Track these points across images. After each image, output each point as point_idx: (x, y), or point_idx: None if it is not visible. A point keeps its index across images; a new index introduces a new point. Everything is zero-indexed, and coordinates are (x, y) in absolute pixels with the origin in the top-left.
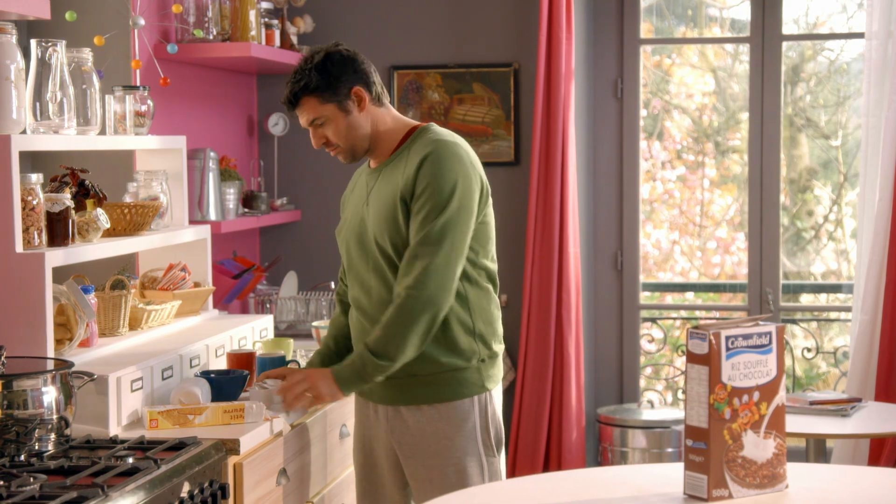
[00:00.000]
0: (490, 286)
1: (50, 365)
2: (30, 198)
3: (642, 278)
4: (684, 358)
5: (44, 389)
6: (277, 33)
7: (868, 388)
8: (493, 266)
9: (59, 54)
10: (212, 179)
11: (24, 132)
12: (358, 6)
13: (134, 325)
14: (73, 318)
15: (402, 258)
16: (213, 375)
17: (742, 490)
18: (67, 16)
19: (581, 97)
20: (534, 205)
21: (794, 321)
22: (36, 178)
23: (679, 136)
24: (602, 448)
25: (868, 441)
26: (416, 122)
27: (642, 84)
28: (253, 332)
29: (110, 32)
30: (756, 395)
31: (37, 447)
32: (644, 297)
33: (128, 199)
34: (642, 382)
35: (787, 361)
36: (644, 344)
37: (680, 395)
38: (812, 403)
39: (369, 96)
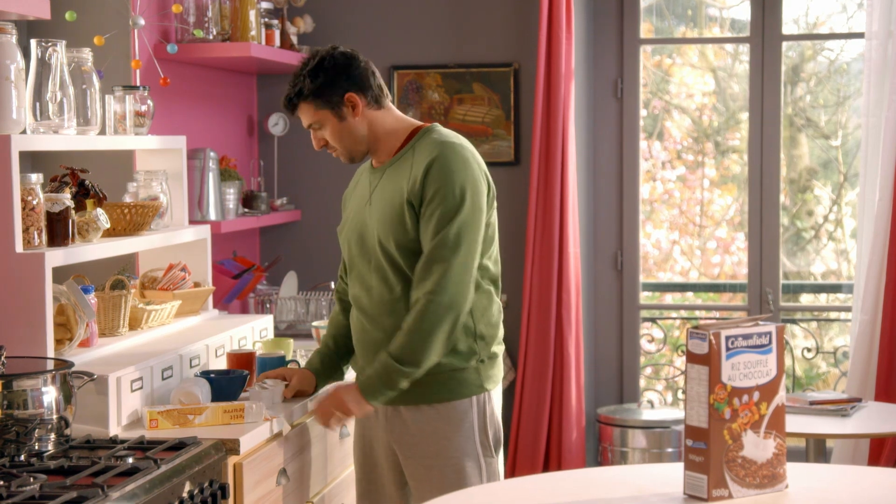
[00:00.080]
0: (492, 288)
1: (50, 365)
2: (30, 198)
3: (642, 278)
4: (684, 358)
5: (44, 389)
6: (277, 33)
7: (868, 388)
8: (496, 268)
9: (59, 54)
10: (212, 179)
11: (24, 132)
12: (358, 6)
13: (134, 325)
14: (73, 318)
15: (406, 258)
16: (213, 375)
17: (742, 490)
18: (67, 16)
19: (581, 97)
20: (534, 205)
21: (794, 321)
22: (36, 178)
23: (679, 136)
24: (602, 448)
25: (868, 441)
26: (419, 123)
27: (642, 84)
28: (253, 332)
29: (110, 32)
30: (756, 395)
31: (37, 447)
32: (644, 297)
33: (128, 199)
34: (642, 382)
35: (787, 361)
36: (644, 344)
37: (680, 395)
38: (812, 403)
39: (364, 101)
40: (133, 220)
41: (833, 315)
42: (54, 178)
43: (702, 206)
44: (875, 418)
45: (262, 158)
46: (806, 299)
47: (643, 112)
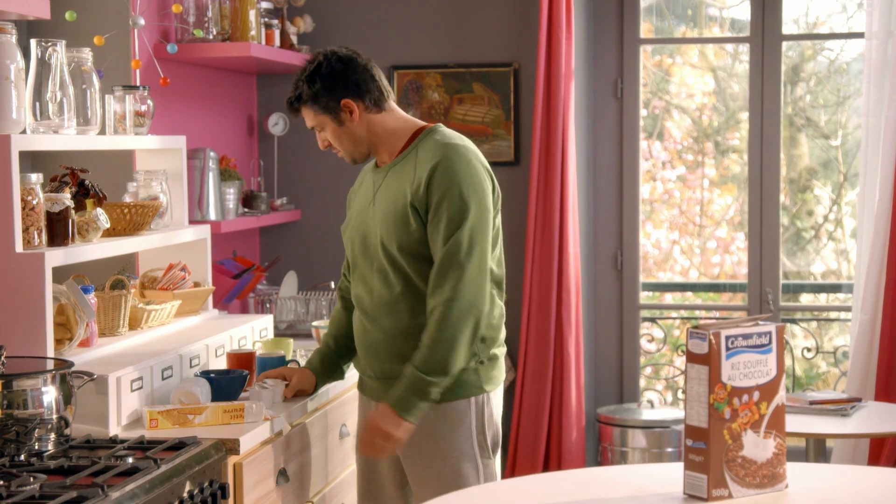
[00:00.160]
0: (495, 290)
1: (50, 365)
2: (30, 198)
3: (642, 278)
4: (684, 358)
5: (44, 389)
6: (277, 33)
7: (868, 387)
8: (500, 270)
9: (59, 54)
10: (212, 179)
11: (24, 132)
12: (358, 6)
13: (134, 324)
14: (73, 318)
15: (408, 260)
16: (213, 375)
17: (742, 490)
18: (67, 16)
19: (581, 97)
20: (534, 205)
21: (793, 321)
22: (36, 177)
23: (679, 136)
24: (602, 448)
25: (868, 441)
26: (422, 123)
27: (642, 84)
28: (253, 332)
29: (110, 32)
30: (756, 395)
31: (37, 447)
32: (644, 296)
33: (128, 198)
34: (642, 382)
35: (787, 361)
36: (644, 344)
37: (680, 394)
38: (812, 403)
39: (363, 105)
40: (133, 219)
41: (833, 315)
42: (54, 177)
43: (702, 205)
44: (875, 418)
45: (262, 158)
46: (806, 299)
47: (643, 112)
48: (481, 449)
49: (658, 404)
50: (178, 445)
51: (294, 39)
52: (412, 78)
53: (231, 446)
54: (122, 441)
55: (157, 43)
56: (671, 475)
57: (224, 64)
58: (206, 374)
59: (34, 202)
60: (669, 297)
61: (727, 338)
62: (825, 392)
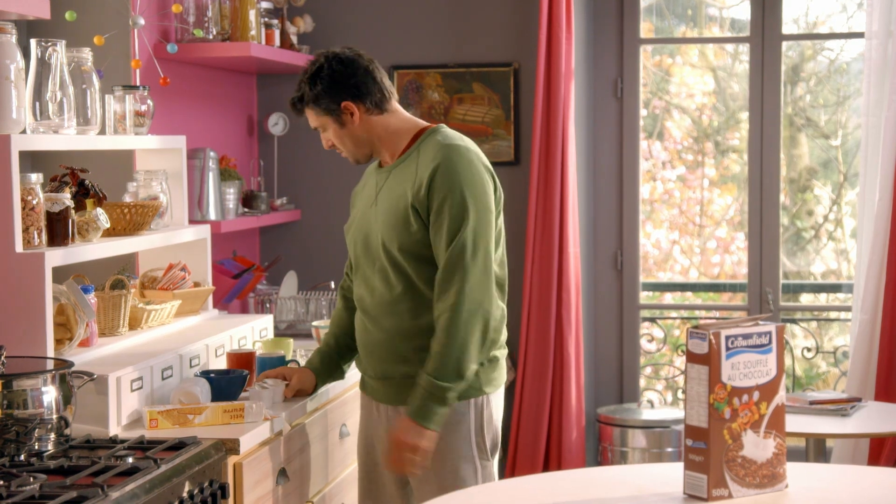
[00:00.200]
0: (497, 292)
1: (50, 365)
2: (30, 197)
3: (642, 278)
4: (684, 357)
5: (44, 389)
6: (277, 33)
7: (868, 387)
8: (502, 272)
9: (59, 54)
10: (212, 179)
11: (23, 132)
12: (358, 6)
13: (134, 324)
14: (73, 318)
15: (409, 261)
16: (212, 375)
17: (742, 490)
18: (67, 16)
19: (581, 97)
20: (534, 205)
21: (793, 321)
22: (36, 177)
23: (679, 136)
24: (602, 448)
25: (868, 441)
26: (425, 123)
27: (642, 84)
28: (253, 332)
29: (110, 32)
30: (756, 395)
31: (37, 447)
32: (644, 296)
33: (128, 198)
34: (642, 382)
35: (787, 361)
36: (644, 344)
37: (680, 394)
38: (812, 403)
39: (363, 107)
40: (133, 219)
41: (833, 315)
42: (54, 177)
43: (702, 205)
44: (875, 418)
45: (261, 158)
46: (806, 299)
47: (643, 112)
48: (480, 451)
49: (658, 404)
50: (178, 445)
51: (294, 39)
52: (412, 78)
53: (231, 446)
54: (122, 441)
55: (157, 43)
56: (671, 475)
57: (224, 64)
58: (206, 374)
59: (34, 202)
60: (669, 297)
61: (727, 338)
62: (825, 392)
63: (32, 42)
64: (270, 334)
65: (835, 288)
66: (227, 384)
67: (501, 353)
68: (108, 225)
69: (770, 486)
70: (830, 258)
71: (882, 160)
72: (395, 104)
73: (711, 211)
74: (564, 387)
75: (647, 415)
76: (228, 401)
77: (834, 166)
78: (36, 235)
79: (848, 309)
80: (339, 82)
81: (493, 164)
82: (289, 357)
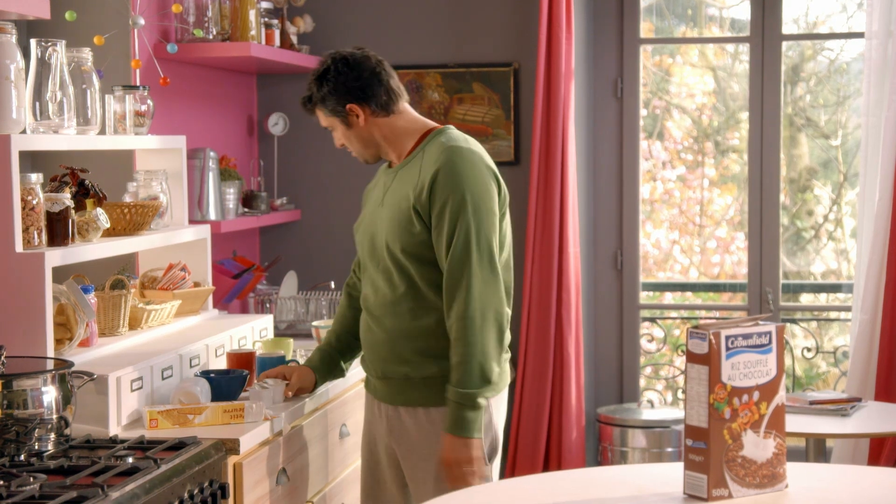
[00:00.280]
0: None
1: (50, 365)
2: (30, 197)
3: (642, 278)
4: (684, 357)
5: (44, 389)
6: (277, 33)
7: (868, 387)
8: (507, 275)
9: (59, 54)
10: (212, 179)
11: (23, 132)
12: (358, 6)
13: (134, 324)
14: (73, 318)
15: (412, 262)
16: (212, 375)
17: (742, 490)
18: (67, 15)
19: (581, 97)
20: (534, 205)
21: (793, 321)
22: (36, 177)
23: (679, 136)
24: (602, 448)
25: (868, 441)
26: (432, 124)
27: (642, 84)
28: (253, 332)
29: (110, 32)
30: (756, 395)
31: (37, 447)
32: (644, 296)
33: (128, 198)
34: (642, 382)
35: (787, 361)
36: (644, 343)
37: (680, 394)
38: (812, 403)
39: (369, 110)
40: (133, 219)
41: (833, 315)
42: (54, 177)
43: (702, 205)
44: (875, 418)
45: (261, 158)
46: (806, 299)
47: (643, 112)
48: None
49: (658, 404)
50: (178, 445)
51: (294, 39)
52: (412, 78)
53: (231, 446)
54: (122, 441)
55: (157, 43)
56: (671, 475)
57: (224, 64)
58: (206, 374)
59: (34, 202)
60: (669, 297)
61: (727, 338)
62: (825, 392)
63: (32, 42)
64: (270, 334)
65: (835, 288)
66: (227, 384)
67: (504, 357)
68: (108, 225)
69: (770, 486)
70: (830, 258)
71: (882, 160)
72: (404, 105)
73: (711, 211)
74: (564, 387)
75: (647, 415)
76: (228, 401)
77: (834, 166)
78: (36, 235)
79: (848, 309)
80: (344, 84)
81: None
82: (289, 357)
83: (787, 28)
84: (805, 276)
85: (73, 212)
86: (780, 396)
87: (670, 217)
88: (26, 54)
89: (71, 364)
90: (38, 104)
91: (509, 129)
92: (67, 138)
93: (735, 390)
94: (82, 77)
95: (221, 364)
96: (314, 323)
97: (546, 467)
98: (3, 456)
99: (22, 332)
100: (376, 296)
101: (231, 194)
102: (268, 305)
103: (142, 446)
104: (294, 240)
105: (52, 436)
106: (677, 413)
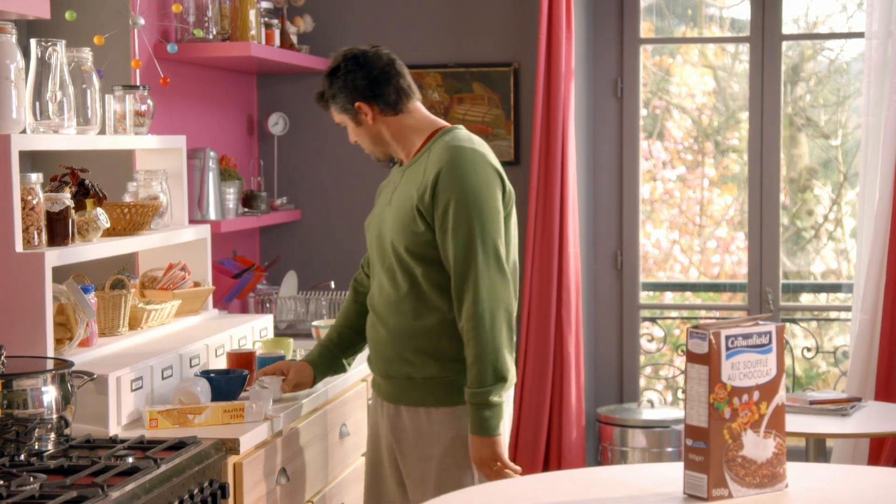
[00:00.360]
0: None
1: (50, 364)
2: (29, 197)
3: (642, 278)
4: (684, 357)
5: (44, 389)
6: (277, 33)
7: (868, 387)
8: (512, 276)
9: (59, 54)
10: (212, 179)
11: (23, 132)
12: (358, 6)
13: (134, 324)
14: (73, 318)
15: (416, 261)
16: (212, 375)
17: (742, 489)
18: (67, 15)
19: (581, 97)
20: (534, 204)
21: (793, 321)
22: (36, 177)
23: (680, 136)
24: (602, 447)
25: (868, 441)
26: (441, 124)
27: (642, 84)
28: (253, 332)
29: (110, 32)
30: (756, 395)
31: (36, 447)
32: (644, 296)
33: (128, 198)
34: (642, 382)
35: (787, 361)
36: (644, 343)
37: (680, 394)
38: (812, 403)
39: (377, 109)
40: (133, 219)
41: (833, 315)
42: (54, 177)
43: (702, 205)
44: (875, 418)
45: (261, 158)
46: (806, 299)
47: (643, 112)
48: None
49: (658, 404)
50: (178, 445)
51: (294, 39)
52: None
53: (231, 446)
54: (122, 441)
55: (157, 43)
56: (671, 475)
57: (224, 64)
58: (206, 373)
59: (34, 202)
60: (669, 297)
61: (727, 337)
62: (825, 392)
63: (32, 42)
64: (270, 334)
65: (835, 288)
66: (227, 384)
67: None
68: (108, 225)
69: (770, 485)
70: (830, 258)
71: (882, 160)
72: (415, 105)
73: (711, 211)
74: (564, 387)
75: (647, 415)
76: (228, 401)
77: (834, 166)
78: (36, 235)
79: (848, 309)
80: (352, 82)
81: None
82: (288, 357)
83: (787, 28)
84: (805, 276)
85: (73, 212)
86: (780, 396)
87: (670, 217)
88: (26, 54)
89: (71, 364)
90: (38, 104)
91: (509, 129)
92: (67, 138)
93: (735, 390)
94: (82, 77)
95: (221, 364)
96: (314, 323)
97: (546, 467)
98: (3, 456)
99: (22, 331)
100: (381, 294)
101: (231, 194)
102: (268, 305)
103: (142, 446)
104: (294, 240)
105: (52, 436)
106: (677, 413)
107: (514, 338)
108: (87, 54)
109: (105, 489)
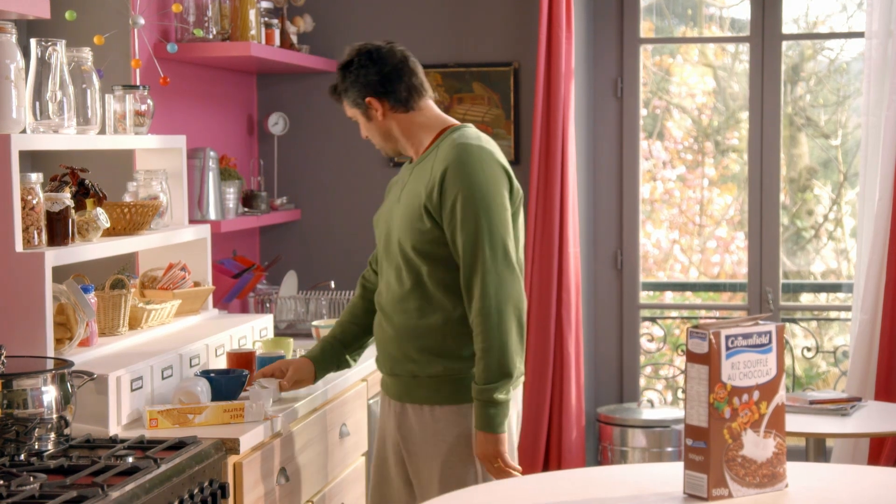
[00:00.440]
0: None
1: (50, 364)
2: (30, 197)
3: (642, 278)
4: (684, 357)
5: (44, 389)
6: (277, 33)
7: (868, 387)
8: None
9: (59, 54)
10: (212, 179)
11: (23, 132)
12: (358, 6)
13: (134, 324)
14: (73, 318)
15: (422, 259)
16: (212, 375)
17: (742, 489)
18: (67, 15)
19: (581, 96)
20: (534, 204)
21: (793, 320)
22: (36, 177)
23: (680, 136)
24: (602, 447)
25: (868, 440)
26: (451, 122)
27: (642, 84)
28: (253, 332)
29: (110, 32)
30: (756, 395)
31: (36, 446)
32: (644, 296)
33: (128, 198)
34: (642, 382)
35: (787, 361)
36: (644, 343)
37: (680, 394)
38: (812, 403)
39: (387, 105)
40: (133, 219)
41: (833, 314)
42: (54, 177)
43: (702, 205)
44: (875, 418)
45: (261, 158)
46: (806, 299)
47: (643, 112)
48: None
49: (658, 404)
50: (178, 445)
51: (294, 39)
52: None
53: (231, 446)
54: (122, 441)
55: (157, 42)
56: (671, 475)
57: (224, 63)
58: (206, 373)
59: (34, 202)
60: (669, 297)
61: (727, 337)
62: (825, 392)
63: (32, 42)
64: (270, 334)
65: (835, 287)
66: (227, 384)
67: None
68: (108, 224)
69: (770, 485)
70: (830, 258)
71: (882, 160)
72: (426, 102)
73: (711, 210)
74: (564, 386)
75: (647, 414)
76: (228, 401)
77: (834, 166)
78: (36, 235)
79: (848, 308)
80: (364, 78)
81: None
82: (288, 357)
83: (787, 28)
84: (805, 276)
85: (73, 211)
86: (780, 396)
87: (670, 217)
88: (26, 54)
89: (71, 364)
90: (38, 104)
91: (509, 129)
92: (67, 138)
93: (735, 390)
94: (82, 77)
95: (221, 364)
96: (314, 323)
97: (546, 467)
98: (3, 455)
99: (22, 331)
100: (388, 292)
101: (231, 194)
102: (268, 305)
103: (142, 446)
104: (294, 239)
105: (52, 435)
106: (677, 413)
107: (525, 333)
108: (87, 54)
109: (105, 489)
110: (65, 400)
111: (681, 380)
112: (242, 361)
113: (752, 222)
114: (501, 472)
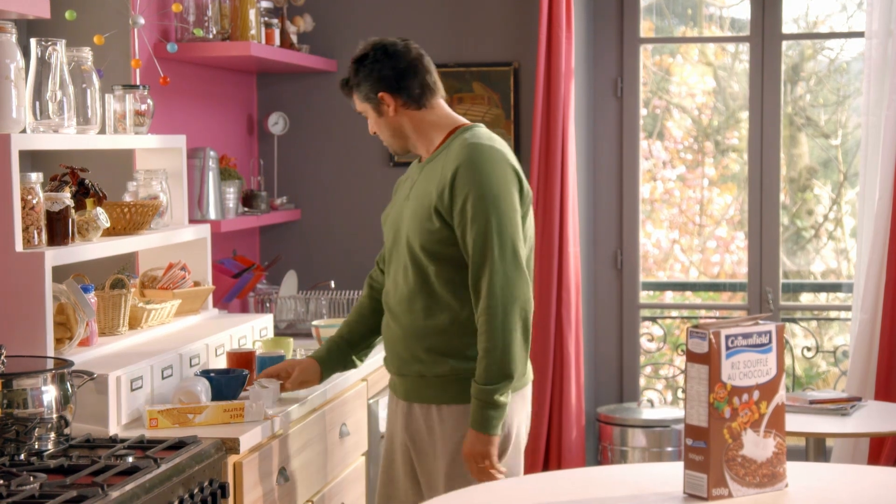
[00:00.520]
0: None
1: (50, 364)
2: (29, 197)
3: (642, 277)
4: (684, 357)
5: (43, 388)
6: (277, 32)
7: (868, 387)
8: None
9: (59, 53)
10: (211, 178)
11: (23, 131)
12: (358, 6)
13: (134, 324)
14: (73, 318)
15: (430, 259)
16: (212, 374)
17: (742, 489)
18: (67, 15)
19: (581, 96)
20: (534, 204)
21: (793, 320)
22: (36, 177)
23: (680, 136)
24: (602, 447)
25: (868, 440)
26: (461, 122)
27: (642, 83)
28: (253, 332)
29: (110, 32)
30: (756, 394)
31: (36, 446)
32: (644, 296)
33: (127, 198)
34: (642, 381)
35: (787, 360)
36: (644, 343)
37: (680, 394)
38: (812, 402)
39: (400, 101)
40: (133, 219)
41: (833, 314)
42: (54, 177)
43: (701, 205)
44: (875, 417)
45: (261, 157)
46: (806, 298)
47: (643, 111)
48: None
49: (658, 404)
50: (178, 445)
51: (294, 39)
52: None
53: (231, 446)
54: (122, 440)
55: (157, 42)
56: (671, 474)
57: (224, 63)
58: (206, 373)
59: (34, 201)
60: (669, 297)
61: (727, 337)
62: (825, 391)
63: (32, 41)
64: (270, 334)
65: (835, 287)
66: (227, 384)
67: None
68: (107, 224)
69: (770, 485)
70: (830, 257)
71: (882, 160)
72: (438, 101)
73: (711, 210)
74: (564, 386)
75: (647, 414)
76: (228, 400)
77: (834, 166)
78: (36, 235)
79: (848, 308)
80: (378, 72)
81: None
82: (288, 357)
83: (787, 27)
84: (805, 276)
85: (73, 211)
86: (780, 396)
87: (670, 216)
88: (26, 54)
89: (71, 363)
90: (38, 104)
91: (509, 129)
92: (67, 138)
93: (735, 389)
94: (82, 76)
95: (221, 363)
96: (314, 322)
97: (546, 467)
98: (3, 455)
99: (22, 331)
100: (395, 292)
101: (231, 194)
102: (268, 305)
103: (142, 446)
104: (294, 239)
105: (52, 435)
106: (677, 412)
107: (530, 336)
108: (87, 54)
109: (105, 489)
110: (65, 400)
111: (681, 380)
112: (242, 361)
113: (752, 222)
114: (485, 473)
